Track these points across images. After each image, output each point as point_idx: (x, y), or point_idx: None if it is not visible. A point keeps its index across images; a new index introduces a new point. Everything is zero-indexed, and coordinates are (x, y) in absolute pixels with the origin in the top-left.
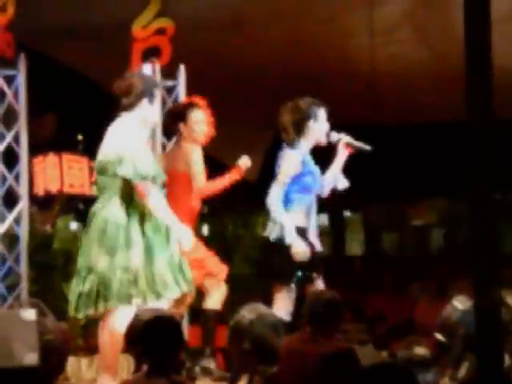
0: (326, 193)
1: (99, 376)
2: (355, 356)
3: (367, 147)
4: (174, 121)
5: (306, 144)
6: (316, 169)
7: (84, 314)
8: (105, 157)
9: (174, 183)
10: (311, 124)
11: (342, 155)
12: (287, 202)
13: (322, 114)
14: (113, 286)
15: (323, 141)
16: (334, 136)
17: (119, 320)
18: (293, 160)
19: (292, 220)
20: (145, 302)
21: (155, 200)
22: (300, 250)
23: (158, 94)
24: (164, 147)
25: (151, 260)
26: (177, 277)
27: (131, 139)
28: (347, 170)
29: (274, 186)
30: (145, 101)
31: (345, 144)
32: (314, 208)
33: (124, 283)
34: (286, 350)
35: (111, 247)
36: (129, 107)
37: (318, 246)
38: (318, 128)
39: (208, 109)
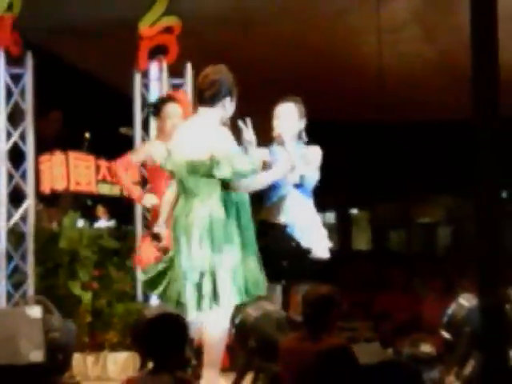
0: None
1: (204, 371)
2: (349, 352)
3: None
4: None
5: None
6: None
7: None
8: (198, 158)
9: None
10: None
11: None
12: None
13: (276, 111)
14: (220, 284)
15: (280, 139)
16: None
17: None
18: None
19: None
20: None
21: (247, 182)
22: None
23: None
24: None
25: (244, 258)
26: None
27: (222, 139)
28: (354, 169)
29: None
30: (228, 99)
31: None
32: (298, 206)
33: (228, 281)
34: (285, 349)
35: (219, 244)
36: (210, 101)
37: (317, 251)
38: (276, 125)
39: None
